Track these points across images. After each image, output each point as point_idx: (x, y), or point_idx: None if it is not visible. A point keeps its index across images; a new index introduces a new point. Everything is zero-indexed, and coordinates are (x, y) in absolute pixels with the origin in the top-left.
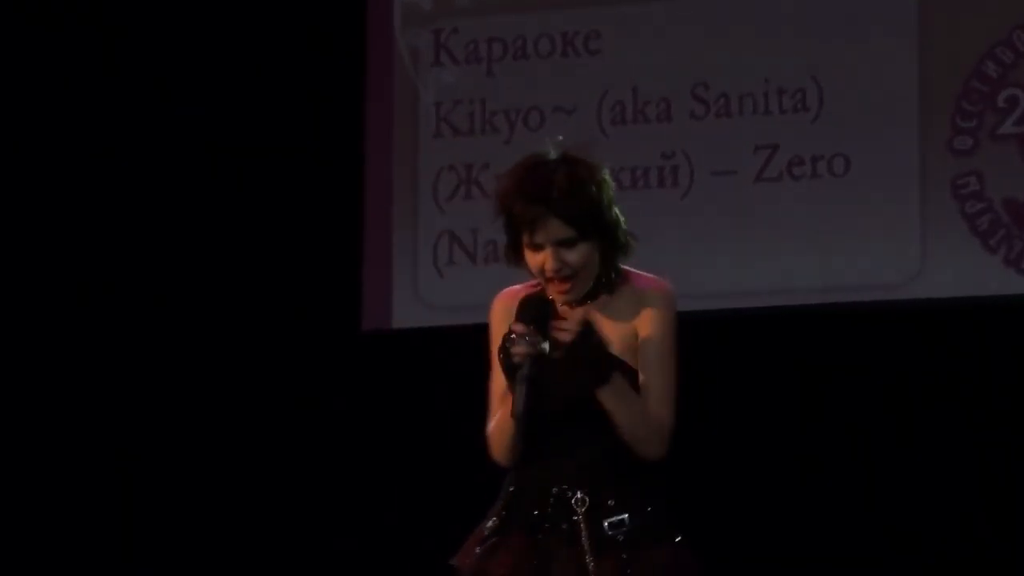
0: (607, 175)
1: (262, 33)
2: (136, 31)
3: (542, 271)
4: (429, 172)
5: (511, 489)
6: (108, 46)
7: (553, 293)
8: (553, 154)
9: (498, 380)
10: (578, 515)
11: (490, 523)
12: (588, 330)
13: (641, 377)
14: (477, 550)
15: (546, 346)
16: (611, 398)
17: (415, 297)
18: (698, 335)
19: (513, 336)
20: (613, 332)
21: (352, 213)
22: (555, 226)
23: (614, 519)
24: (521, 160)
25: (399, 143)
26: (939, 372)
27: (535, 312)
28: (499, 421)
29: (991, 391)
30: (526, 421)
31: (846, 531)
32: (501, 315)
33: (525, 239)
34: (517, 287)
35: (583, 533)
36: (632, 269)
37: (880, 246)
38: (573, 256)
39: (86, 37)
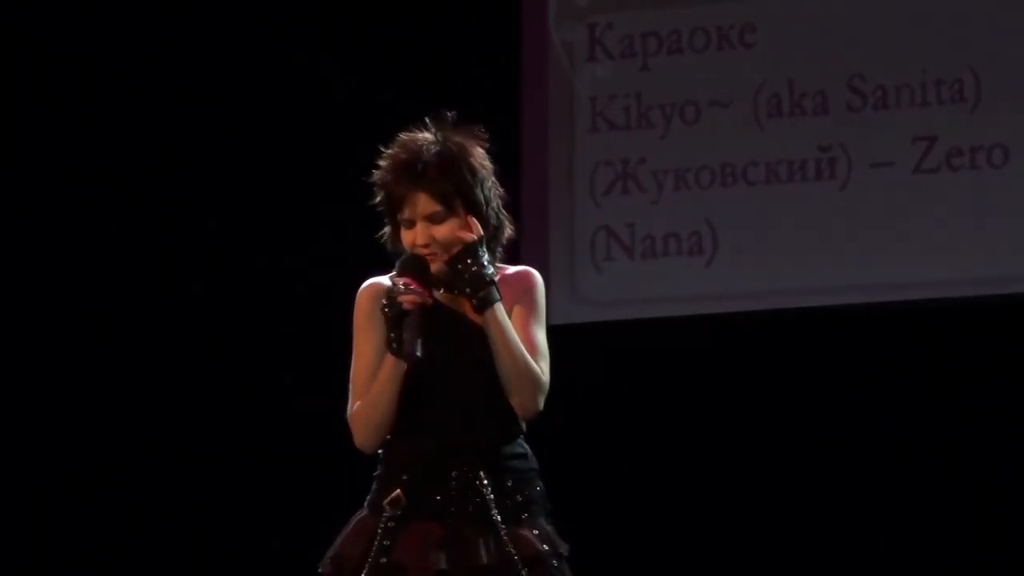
0: (482, 155)
1: (416, 31)
2: (290, 24)
3: (413, 247)
4: (585, 167)
5: (404, 477)
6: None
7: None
8: (429, 135)
9: (362, 364)
10: (483, 497)
11: (387, 514)
12: (463, 252)
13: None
14: (376, 544)
15: (430, 298)
16: (496, 325)
17: (573, 293)
18: (858, 328)
19: (401, 286)
20: None
21: (509, 210)
22: (423, 201)
23: (518, 498)
24: (398, 140)
25: (555, 139)
26: None
27: (414, 267)
28: (371, 395)
29: None
30: (416, 363)
31: (986, 532)
32: (371, 303)
33: (399, 218)
34: (382, 278)
35: (494, 513)
36: (505, 266)
37: None
38: (441, 231)
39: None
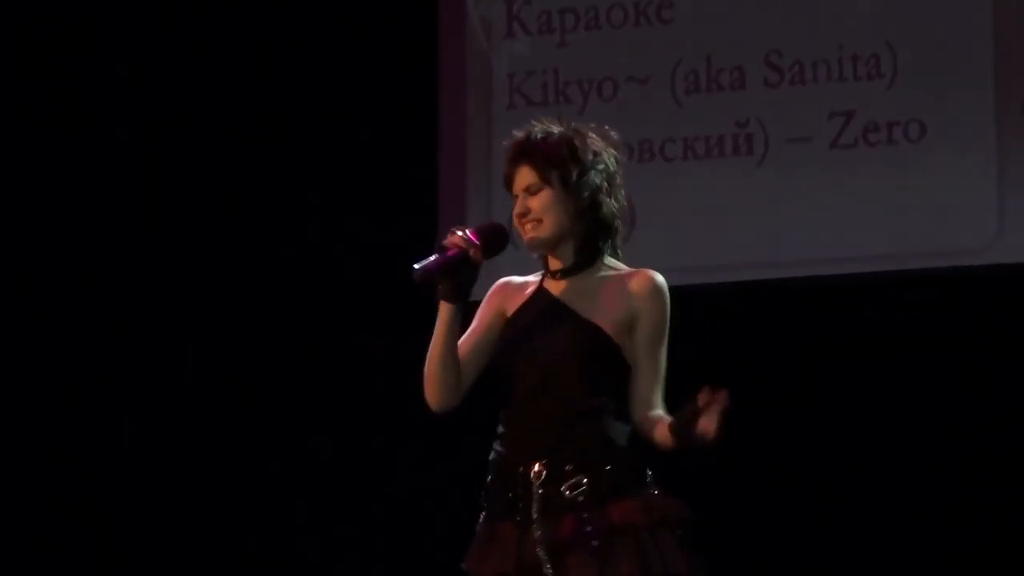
0: (604, 150)
1: (330, 7)
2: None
3: (514, 219)
4: (503, 144)
5: (488, 478)
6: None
7: (524, 241)
8: (555, 123)
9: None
10: (533, 488)
11: (480, 518)
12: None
13: (640, 364)
14: (475, 548)
15: (473, 254)
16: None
17: (490, 270)
18: (775, 303)
19: (457, 233)
20: (598, 311)
21: (426, 185)
22: (524, 173)
23: (571, 481)
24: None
25: (473, 115)
26: (1018, 337)
27: (490, 231)
28: (430, 356)
29: None
30: (418, 276)
31: (920, 503)
32: (494, 297)
33: (513, 197)
34: (518, 278)
35: (533, 506)
36: (623, 265)
37: (957, 211)
38: (535, 202)
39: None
